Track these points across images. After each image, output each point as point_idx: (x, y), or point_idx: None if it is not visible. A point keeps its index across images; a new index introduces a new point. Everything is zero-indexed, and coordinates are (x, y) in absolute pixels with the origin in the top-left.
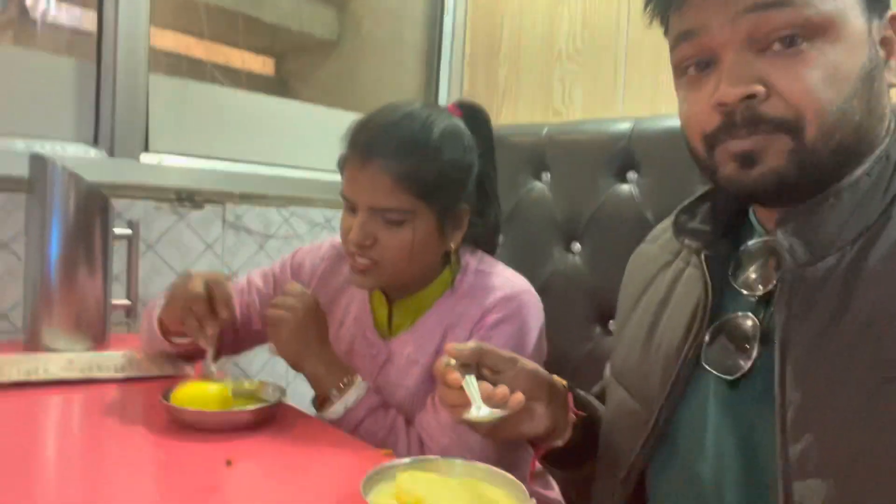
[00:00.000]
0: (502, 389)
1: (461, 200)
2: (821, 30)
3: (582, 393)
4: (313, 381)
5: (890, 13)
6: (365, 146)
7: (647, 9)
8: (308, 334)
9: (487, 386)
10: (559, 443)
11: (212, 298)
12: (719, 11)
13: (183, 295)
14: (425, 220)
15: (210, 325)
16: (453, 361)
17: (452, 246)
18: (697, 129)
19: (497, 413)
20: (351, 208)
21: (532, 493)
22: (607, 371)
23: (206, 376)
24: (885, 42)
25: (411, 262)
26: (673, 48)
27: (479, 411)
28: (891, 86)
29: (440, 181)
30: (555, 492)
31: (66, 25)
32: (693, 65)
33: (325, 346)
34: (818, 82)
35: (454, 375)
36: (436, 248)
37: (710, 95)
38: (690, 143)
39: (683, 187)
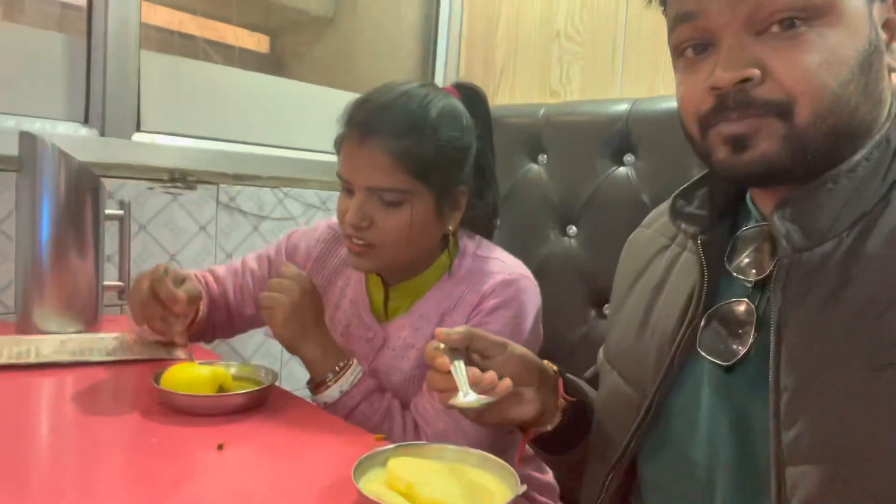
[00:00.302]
0: (490, 375)
1: (459, 181)
2: (821, 12)
3: (572, 378)
4: (309, 365)
5: None
6: (362, 125)
7: None
8: (304, 317)
9: (475, 371)
10: (548, 428)
11: (161, 298)
12: None
13: (136, 302)
14: (423, 200)
15: (175, 323)
16: (443, 346)
17: (451, 228)
18: (692, 111)
19: (484, 399)
20: (348, 189)
21: (525, 477)
22: (601, 355)
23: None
24: (887, 24)
25: (409, 245)
26: (671, 29)
27: (466, 397)
28: (891, 69)
29: (438, 160)
30: (549, 475)
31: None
32: (691, 47)
33: (322, 328)
34: (815, 66)
35: (442, 359)
36: (434, 231)
37: (706, 78)
38: (685, 124)
39: (680, 170)
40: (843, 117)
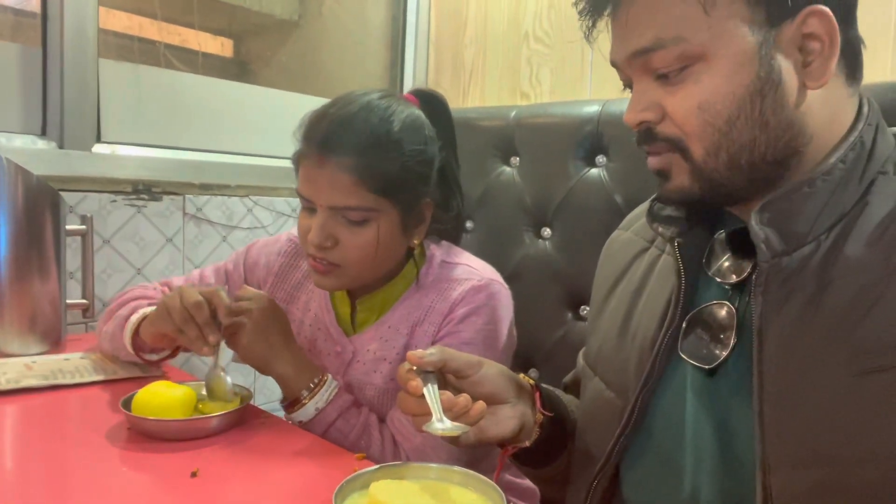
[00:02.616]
0: (463, 400)
1: (424, 194)
2: (699, 58)
3: (549, 389)
4: (282, 383)
5: (807, 10)
6: (322, 142)
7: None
8: (269, 336)
9: (448, 395)
10: (526, 443)
11: (212, 307)
12: (619, 50)
13: (180, 305)
14: (388, 217)
15: (212, 333)
16: (416, 367)
17: (416, 241)
18: None
19: (457, 428)
20: (309, 207)
21: (506, 483)
22: (580, 359)
23: (212, 380)
24: (810, 38)
25: (375, 262)
26: None
27: (441, 423)
28: (805, 87)
29: (402, 176)
30: (527, 480)
31: (9, 7)
32: (626, 86)
33: (290, 345)
34: (697, 107)
35: (415, 383)
36: (399, 246)
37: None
38: None
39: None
40: (739, 149)
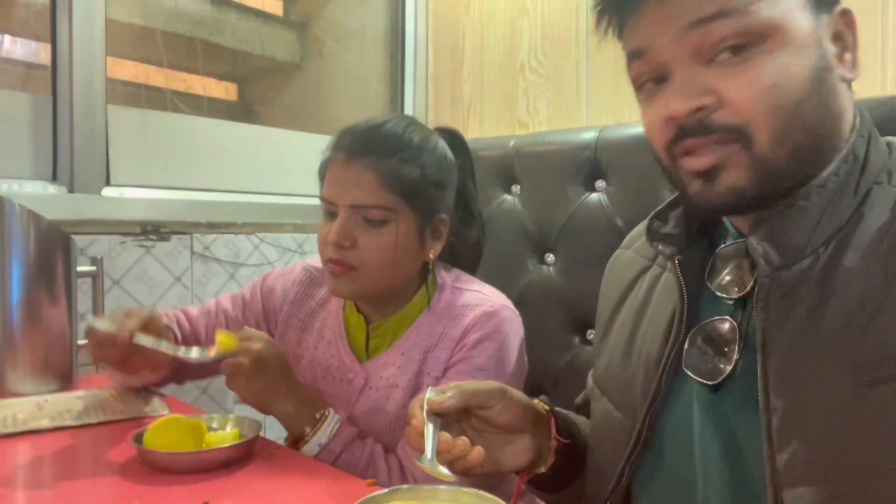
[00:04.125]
0: (462, 444)
1: (441, 208)
2: (766, 35)
3: (564, 414)
4: (284, 421)
5: (839, 7)
6: (349, 146)
7: (599, 27)
8: (267, 375)
9: (447, 437)
10: (542, 469)
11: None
12: (663, 30)
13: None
14: (407, 222)
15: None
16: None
17: (431, 256)
18: (657, 141)
19: (445, 474)
20: (330, 212)
21: None
22: (590, 381)
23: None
24: (837, 36)
25: (392, 268)
26: (627, 64)
27: (431, 464)
28: (843, 80)
29: (422, 182)
30: None
31: (20, 60)
32: (648, 80)
33: (290, 383)
34: (766, 88)
35: (417, 420)
36: (415, 257)
37: (664, 108)
38: (656, 153)
39: (651, 193)
40: (802, 135)
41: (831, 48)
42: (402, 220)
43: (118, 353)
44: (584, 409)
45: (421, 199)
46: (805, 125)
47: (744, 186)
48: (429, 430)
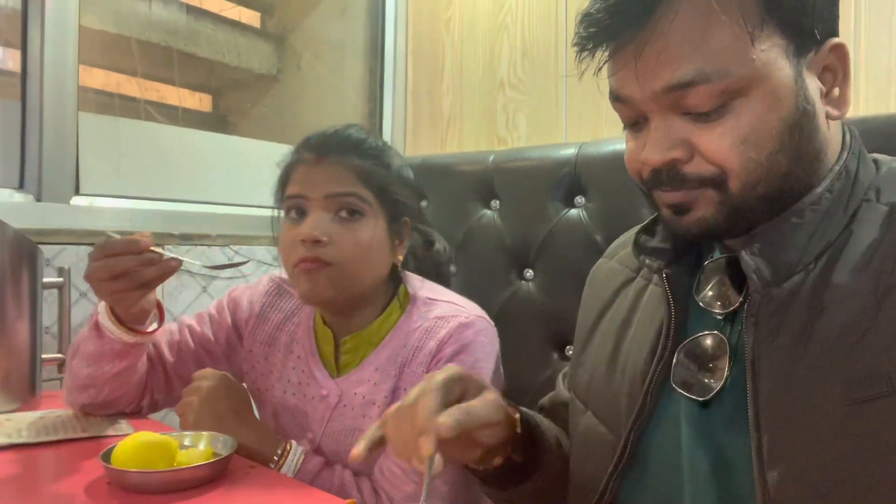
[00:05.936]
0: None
1: (406, 212)
2: (743, 91)
3: (525, 411)
4: (246, 456)
5: (832, 42)
6: (319, 147)
7: (578, 64)
8: (218, 411)
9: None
10: (498, 461)
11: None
12: (640, 87)
13: (103, 262)
14: (378, 220)
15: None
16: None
17: (400, 258)
18: (634, 174)
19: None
20: (298, 211)
21: None
22: (560, 381)
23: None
24: (826, 70)
25: (364, 266)
26: (611, 102)
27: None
28: (829, 118)
29: (391, 181)
30: None
31: None
32: (628, 122)
33: (245, 418)
34: (740, 143)
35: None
36: (386, 258)
37: (639, 151)
38: (635, 180)
39: (631, 209)
40: (774, 183)
41: (816, 86)
42: (374, 217)
43: (136, 263)
44: (549, 410)
45: (390, 197)
46: (778, 174)
47: (714, 220)
48: (430, 470)
